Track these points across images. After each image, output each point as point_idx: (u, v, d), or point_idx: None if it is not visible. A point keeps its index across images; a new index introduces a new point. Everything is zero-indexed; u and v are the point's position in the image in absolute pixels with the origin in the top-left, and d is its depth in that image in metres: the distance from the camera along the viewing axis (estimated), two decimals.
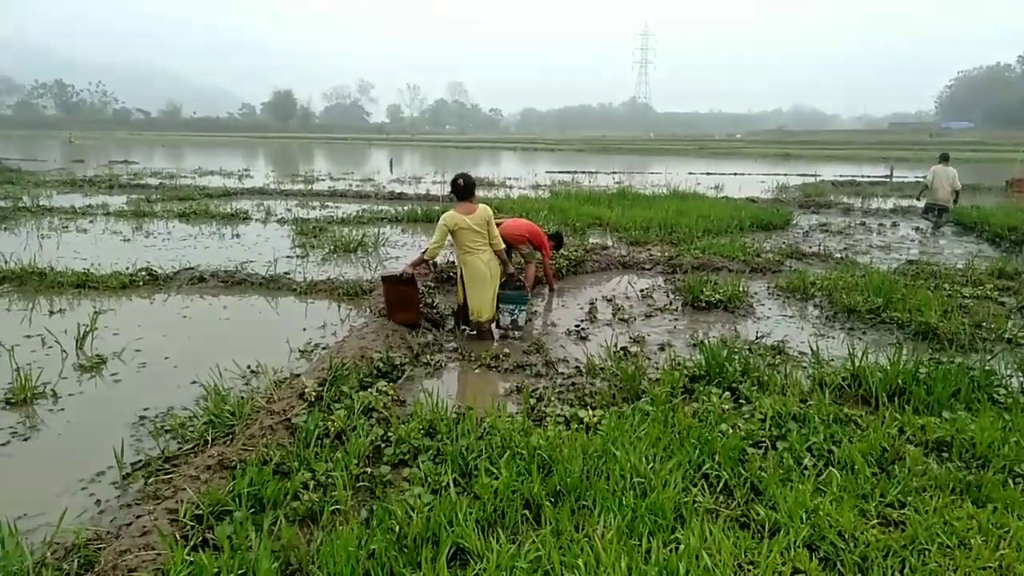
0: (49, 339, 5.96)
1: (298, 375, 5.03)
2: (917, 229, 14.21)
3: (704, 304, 7.44)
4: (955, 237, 13.36)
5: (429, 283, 8.04)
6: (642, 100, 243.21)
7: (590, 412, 4.32)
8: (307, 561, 2.82)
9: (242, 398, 4.55)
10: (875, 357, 5.26)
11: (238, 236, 12.14)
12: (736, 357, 5.11)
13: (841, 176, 29.40)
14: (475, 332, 6.41)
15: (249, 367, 5.40)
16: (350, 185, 22.78)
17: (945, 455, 3.83)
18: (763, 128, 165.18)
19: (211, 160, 38.03)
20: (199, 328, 6.70)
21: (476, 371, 5.57)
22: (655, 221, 12.73)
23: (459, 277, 6.43)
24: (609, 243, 11.40)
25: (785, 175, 30.14)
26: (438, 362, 5.66)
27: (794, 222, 14.62)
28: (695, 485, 3.39)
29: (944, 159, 14.02)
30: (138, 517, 3.19)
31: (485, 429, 4.00)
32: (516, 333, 6.50)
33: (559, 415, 4.31)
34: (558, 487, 3.32)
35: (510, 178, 27.01)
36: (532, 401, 4.60)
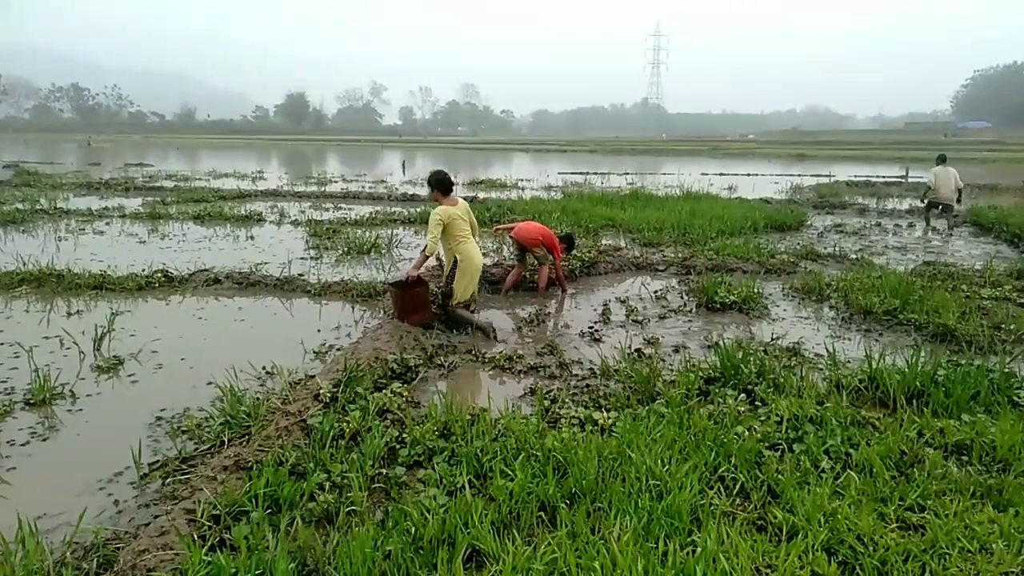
0: (67, 340, 6.02)
1: (313, 376, 5.05)
2: (935, 230, 14.07)
3: (718, 305, 7.41)
4: (972, 238, 13.22)
5: (442, 285, 8.02)
6: (654, 101, 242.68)
7: (605, 414, 4.30)
8: (324, 562, 2.82)
9: (258, 399, 4.58)
10: (892, 359, 5.22)
11: (252, 238, 12.21)
12: (751, 359, 5.08)
13: (856, 176, 29.19)
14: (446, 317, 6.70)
15: (264, 368, 5.43)
16: (363, 187, 22.87)
17: (965, 458, 3.79)
18: (777, 128, 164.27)
19: (225, 162, 38.30)
20: (214, 329, 6.75)
21: (490, 373, 5.57)
22: (668, 222, 12.68)
23: (450, 266, 6.61)
24: (622, 244, 11.37)
25: (799, 176, 29.96)
26: (452, 363, 5.66)
27: (808, 223, 14.52)
28: (711, 487, 3.37)
29: (942, 160, 14.35)
30: (156, 517, 3.21)
31: (500, 431, 4.00)
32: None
33: (574, 417, 4.30)
34: (573, 489, 3.31)
35: (522, 179, 27.02)
36: (546, 403, 4.60)
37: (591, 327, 6.76)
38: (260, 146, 75.20)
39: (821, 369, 5.43)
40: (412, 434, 3.96)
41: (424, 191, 21.30)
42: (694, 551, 2.80)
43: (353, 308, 7.49)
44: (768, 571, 2.74)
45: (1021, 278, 8.77)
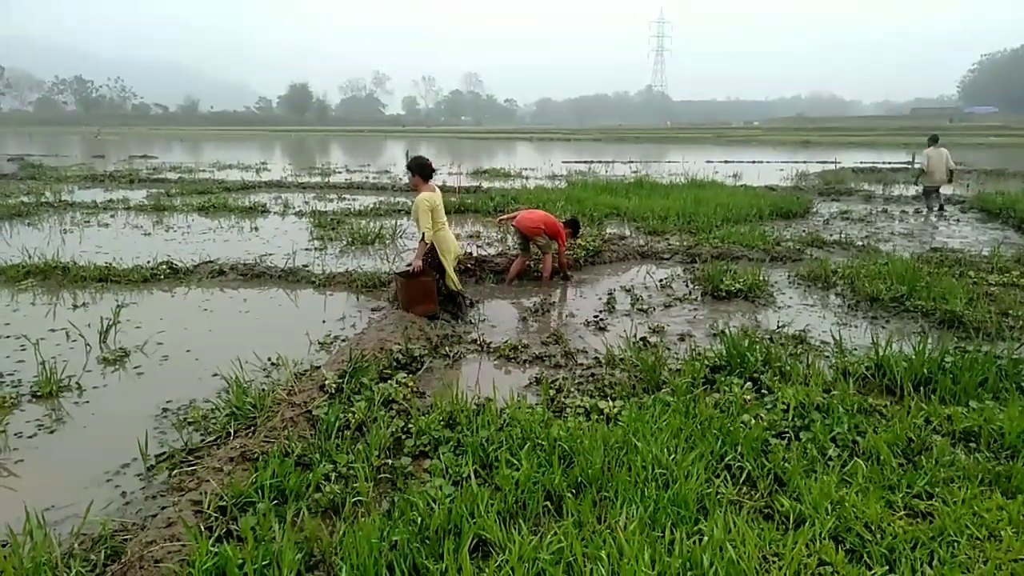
0: (73, 332, 6.04)
1: (318, 367, 5.05)
2: (941, 209, 13.99)
3: (724, 293, 7.38)
4: (980, 224, 13.14)
5: None
6: (658, 89, 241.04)
7: (610, 403, 4.30)
8: (330, 552, 2.83)
9: (263, 390, 4.59)
10: (899, 346, 5.19)
11: (257, 229, 12.21)
12: (757, 347, 5.06)
13: (862, 163, 29.03)
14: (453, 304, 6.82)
15: (270, 359, 5.43)
16: (367, 177, 22.86)
17: (973, 445, 3.77)
18: (781, 115, 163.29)
19: (229, 154, 38.30)
20: (220, 321, 6.75)
21: (495, 362, 5.56)
22: (673, 210, 12.63)
23: (431, 254, 6.59)
24: (627, 233, 11.33)
25: (804, 162, 29.80)
26: (457, 353, 5.66)
27: (814, 210, 14.46)
28: (718, 476, 3.36)
29: (934, 141, 14.41)
30: (163, 508, 3.23)
31: (505, 420, 4.00)
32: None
33: (579, 406, 4.29)
34: (579, 478, 3.31)
35: (526, 168, 26.95)
36: (552, 392, 4.59)
37: (596, 316, 6.74)
38: (264, 137, 75.15)
39: (827, 357, 5.41)
40: (418, 424, 3.96)
41: None
42: (701, 540, 2.80)
43: (358, 298, 7.49)
44: (775, 559, 2.73)
45: None
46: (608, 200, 14.13)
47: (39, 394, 4.79)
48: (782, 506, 3.09)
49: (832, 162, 29.40)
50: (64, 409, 4.64)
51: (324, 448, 3.69)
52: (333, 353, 5.58)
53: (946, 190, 14.95)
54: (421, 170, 6.51)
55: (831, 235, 11.16)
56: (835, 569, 2.67)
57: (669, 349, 5.73)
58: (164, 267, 8.41)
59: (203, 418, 4.35)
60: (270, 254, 9.65)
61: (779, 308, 7.10)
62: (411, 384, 4.74)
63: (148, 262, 8.62)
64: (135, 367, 5.43)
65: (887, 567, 2.71)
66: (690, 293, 7.65)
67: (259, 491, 3.23)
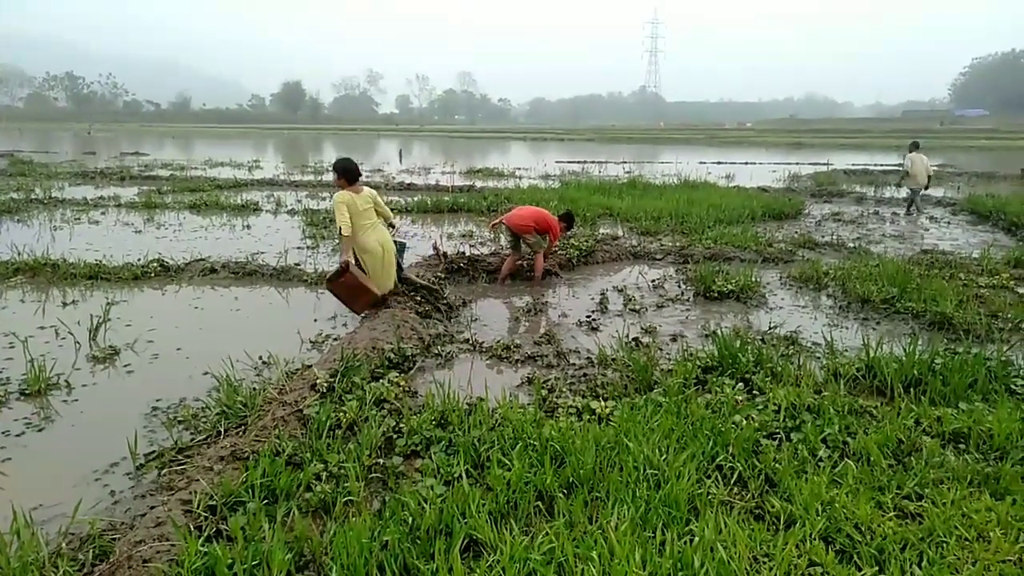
0: (62, 330, 5.99)
1: (310, 366, 5.03)
2: (931, 218, 14.09)
3: (716, 294, 7.40)
4: (970, 226, 13.23)
5: (439, 273, 8.03)
6: (652, 89, 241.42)
7: (602, 403, 4.30)
8: (320, 552, 2.82)
9: (254, 389, 4.57)
10: (890, 348, 5.21)
11: (249, 227, 12.17)
12: (749, 348, 5.07)
13: (854, 165, 29.19)
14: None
15: (261, 358, 5.41)
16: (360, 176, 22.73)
17: (962, 447, 3.79)
18: (774, 117, 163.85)
19: (221, 151, 38.16)
20: (211, 319, 6.72)
21: (487, 362, 5.55)
22: (666, 211, 12.66)
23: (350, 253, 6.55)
24: (620, 233, 11.35)
25: (797, 164, 29.92)
26: (449, 353, 5.65)
27: (806, 211, 14.52)
28: (709, 477, 3.36)
29: (916, 146, 14.88)
30: (152, 508, 3.20)
31: (497, 420, 3.99)
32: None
33: (571, 406, 4.29)
34: (571, 478, 3.31)
35: (519, 168, 26.96)
36: (544, 392, 4.58)
37: (588, 316, 6.75)
38: (256, 135, 74.87)
39: (819, 358, 5.43)
40: (409, 424, 3.95)
41: (420, 180, 21.28)
42: (692, 540, 2.80)
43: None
44: (766, 560, 2.74)
45: (1018, 266, 8.78)
46: (601, 200, 14.15)
47: (27, 392, 4.75)
48: (773, 507, 3.10)
49: (824, 164, 29.56)
50: (53, 407, 4.60)
51: (315, 447, 3.67)
52: (325, 352, 5.56)
53: (936, 192, 15.20)
54: (344, 172, 6.64)
55: (823, 237, 11.21)
56: (825, 569, 2.68)
57: (661, 349, 5.74)
58: (155, 265, 8.36)
59: (193, 417, 4.32)
60: (262, 252, 9.62)
61: (771, 309, 7.13)
62: (403, 383, 4.73)
63: (139, 260, 8.56)
64: (125, 365, 5.39)
65: (877, 567, 2.72)
66: (682, 294, 7.66)
67: (249, 490, 3.21)
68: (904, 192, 15.56)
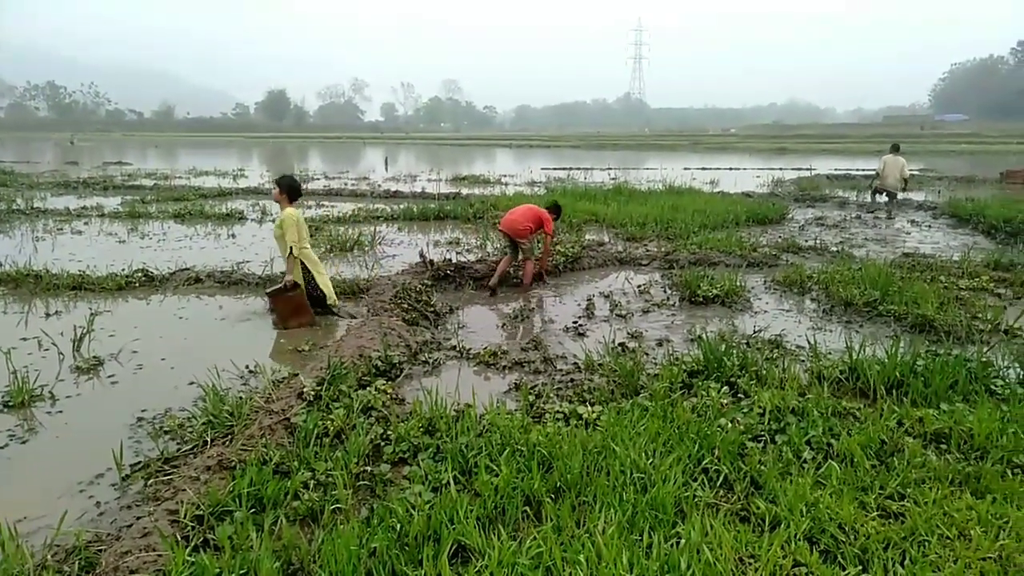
0: (46, 341, 5.94)
1: (296, 374, 5.02)
2: (912, 222, 14.24)
3: (701, 299, 7.46)
4: (950, 229, 13.39)
5: (426, 281, 8.03)
6: (636, 96, 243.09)
7: (589, 408, 4.32)
8: (308, 560, 2.81)
9: (241, 398, 4.55)
10: (872, 350, 5.28)
11: (234, 236, 12.11)
12: (734, 351, 5.11)
13: (836, 170, 29.47)
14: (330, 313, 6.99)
15: (247, 367, 5.39)
16: (345, 184, 22.73)
17: (944, 447, 3.84)
18: (758, 122, 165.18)
19: (205, 160, 37.91)
20: (196, 329, 6.68)
21: (475, 369, 5.56)
22: (651, 217, 12.73)
23: (297, 269, 6.69)
24: (606, 239, 11.39)
25: (780, 169, 30.11)
26: (436, 360, 5.66)
27: (790, 216, 14.64)
28: (695, 480, 3.39)
29: (895, 149, 15.50)
30: (138, 518, 3.19)
31: (484, 426, 4.00)
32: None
33: (558, 411, 4.31)
34: (558, 483, 3.32)
35: (505, 175, 26.98)
36: (531, 398, 4.60)
37: (575, 322, 6.78)
38: (241, 143, 74.53)
39: (803, 361, 5.49)
40: (397, 431, 3.95)
41: (406, 187, 21.26)
42: (678, 543, 2.82)
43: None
44: (751, 561, 2.77)
45: (998, 268, 8.91)
46: (587, 206, 14.20)
47: (11, 404, 4.71)
48: (758, 508, 3.13)
49: (807, 169, 29.83)
50: (36, 419, 4.56)
51: (302, 456, 3.66)
52: (311, 360, 5.55)
53: (916, 195, 15.52)
54: (290, 191, 6.77)
55: (806, 241, 11.31)
56: (809, 570, 2.71)
57: (647, 354, 5.78)
58: (139, 275, 8.31)
59: (179, 427, 4.30)
60: (247, 261, 9.58)
61: (755, 313, 7.19)
62: (390, 391, 4.73)
63: (123, 270, 8.50)
64: (109, 376, 5.36)
65: (860, 567, 2.76)
66: (668, 299, 7.71)
67: (236, 500, 3.20)
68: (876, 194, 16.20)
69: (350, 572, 2.67)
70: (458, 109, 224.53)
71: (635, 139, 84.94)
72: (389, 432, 4.00)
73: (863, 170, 28.98)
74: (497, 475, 3.34)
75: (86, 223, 13.41)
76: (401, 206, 14.99)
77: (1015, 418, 4.01)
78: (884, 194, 15.34)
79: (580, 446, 3.61)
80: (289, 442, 3.89)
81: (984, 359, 4.97)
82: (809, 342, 5.72)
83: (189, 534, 2.99)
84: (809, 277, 8.20)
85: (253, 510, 3.17)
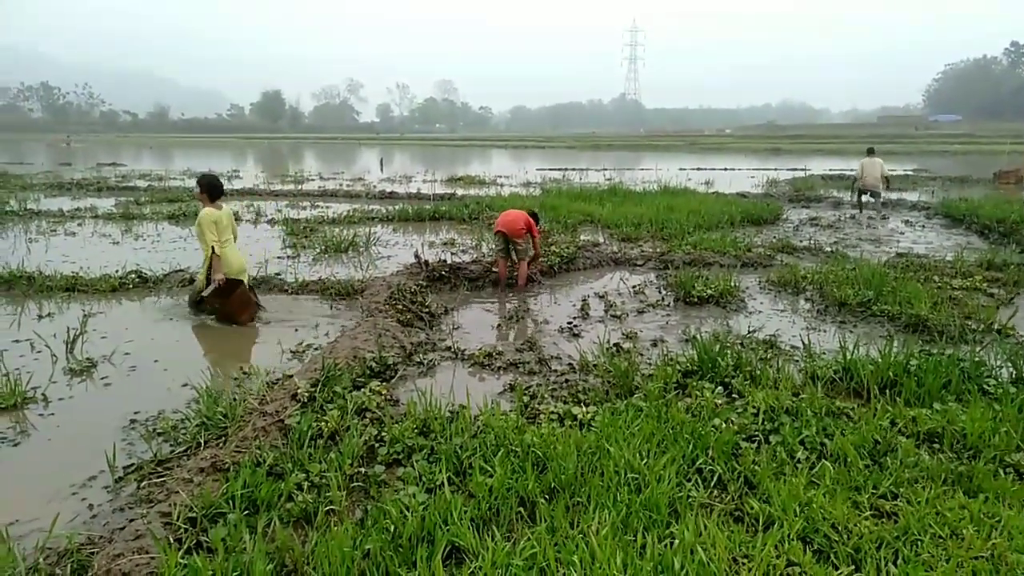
0: (38, 343, 5.92)
1: (290, 376, 5.01)
2: (906, 222, 14.30)
3: (696, 299, 7.47)
4: (944, 229, 13.45)
5: (421, 282, 8.02)
6: (632, 97, 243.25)
7: (584, 409, 4.32)
8: (302, 562, 2.81)
9: (234, 400, 4.54)
10: (866, 350, 5.29)
11: None
12: (728, 352, 5.12)
13: (831, 170, 29.55)
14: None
15: (241, 368, 5.38)
16: (340, 185, 22.72)
17: (936, 446, 3.85)
18: (752, 123, 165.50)
19: (200, 161, 37.87)
20: (189, 330, 6.66)
21: (469, 370, 5.56)
22: (646, 217, 12.75)
23: (207, 265, 6.73)
24: (600, 240, 11.40)
25: (775, 170, 30.22)
26: (431, 361, 5.65)
27: (784, 216, 14.69)
28: (689, 480, 3.40)
29: (870, 152, 16.08)
30: (131, 521, 3.17)
31: (479, 427, 4.00)
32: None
33: (553, 412, 4.31)
34: (553, 484, 3.32)
35: (500, 176, 27.02)
36: (526, 399, 4.60)
37: (570, 323, 6.78)
38: (236, 144, 74.37)
39: (797, 361, 5.50)
40: (391, 432, 3.95)
41: (402, 188, 21.26)
42: (672, 543, 2.83)
43: (331, 307, 7.44)
44: (745, 561, 2.77)
45: (991, 268, 8.94)
46: (582, 207, 14.21)
47: (3, 406, 4.68)
48: (752, 508, 3.14)
49: (802, 169, 29.92)
50: (29, 421, 4.54)
51: (296, 457, 3.66)
52: (305, 362, 5.54)
53: (910, 196, 15.68)
54: (210, 189, 6.75)
55: (801, 241, 11.34)
56: (803, 569, 2.72)
57: (642, 355, 5.78)
58: (133, 276, 8.28)
59: (172, 429, 4.28)
60: None
61: (750, 313, 7.20)
62: (385, 392, 4.72)
63: (116, 271, 8.47)
64: (103, 378, 5.33)
65: (853, 567, 2.77)
66: (663, 299, 7.72)
67: (230, 502, 3.19)
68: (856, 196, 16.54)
69: (344, 574, 2.67)
70: (454, 110, 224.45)
71: (630, 139, 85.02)
72: (383, 433, 3.99)
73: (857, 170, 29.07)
74: (491, 476, 3.34)
75: (80, 224, 13.37)
76: (396, 207, 14.98)
77: (1007, 417, 4.03)
78: (869, 194, 15.74)
79: (574, 447, 3.61)
80: (283, 444, 3.88)
81: (977, 359, 4.99)
82: (803, 342, 5.73)
83: (182, 536, 2.98)
84: (803, 277, 8.21)
85: (247, 512, 3.16)
